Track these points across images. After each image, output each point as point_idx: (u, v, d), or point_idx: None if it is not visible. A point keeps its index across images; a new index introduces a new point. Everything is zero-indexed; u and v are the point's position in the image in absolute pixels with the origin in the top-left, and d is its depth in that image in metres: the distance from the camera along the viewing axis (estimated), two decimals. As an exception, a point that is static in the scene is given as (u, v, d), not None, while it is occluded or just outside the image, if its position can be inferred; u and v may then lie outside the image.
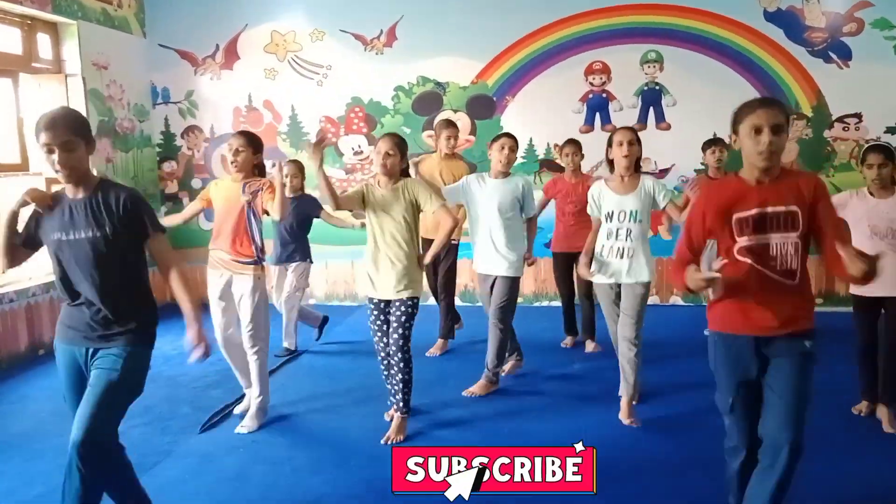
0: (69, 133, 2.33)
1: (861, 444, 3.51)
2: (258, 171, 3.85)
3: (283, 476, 3.30)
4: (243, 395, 4.08)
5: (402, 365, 3.67)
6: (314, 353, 5.39)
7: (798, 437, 2.35)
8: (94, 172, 2.56)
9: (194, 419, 3.99)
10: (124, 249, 2.46)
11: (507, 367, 4.62)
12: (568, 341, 5.36)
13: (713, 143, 5.27)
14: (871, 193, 3.62)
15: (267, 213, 3.77)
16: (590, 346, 5.17)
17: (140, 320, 2.51)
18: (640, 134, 3.89)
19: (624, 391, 3.85)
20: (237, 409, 4.05)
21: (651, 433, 3.67)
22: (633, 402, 3.87)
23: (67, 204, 2.44)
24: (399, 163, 3.69)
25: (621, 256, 3.76)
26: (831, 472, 3.13)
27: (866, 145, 3.84)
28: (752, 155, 2.33)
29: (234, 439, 3.71)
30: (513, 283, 4.27)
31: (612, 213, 3.76)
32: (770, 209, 2.34)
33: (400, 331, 3.65)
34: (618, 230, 3.76)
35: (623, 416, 3.81)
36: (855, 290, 3.68)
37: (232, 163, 3.72)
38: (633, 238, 3.74)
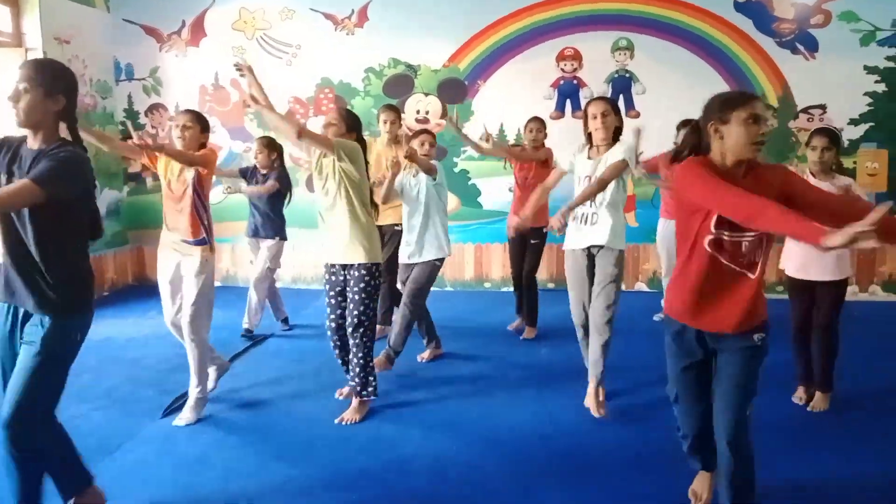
0: (24, 78, 2.30)
1: (802, 430, 3.56)
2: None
3: (247, 460, 3.27)
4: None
5: (359, 344, 3.63)
6: (281, 336, 5.35)
7: (735, 431, 2.37)
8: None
9: (157, 402, 3.93)
10: (54, 210, 2.31)
11: (426, 354, 4.70)
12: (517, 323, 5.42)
13: (687, 123, 5.29)
14: (813, 175, 3.65)
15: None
16: (527, 333, 5.22)
17: (67, 288, 2.40)
18: None
19: (592, 377, 3.79)
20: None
21: (614, 421, 3.70)
22: (601, 390, 3.80)
23: (22, 151, 2.38)
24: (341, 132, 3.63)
25: (584, 222, 3.73)
26: (778, 461, 3.18)
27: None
28: (743, 144, 2.23)
29: (197, 424, 3.67)
30: (424, 266, 4.36)
31: (580, 178, 3.73)
32: None
33: (352, 308, 3.59)
34: None
35: (590, 405, 3.76)
36: (789, 272, 3.78)
37: (178, 138, 3.65)
38: (595, 204, 3.69)
